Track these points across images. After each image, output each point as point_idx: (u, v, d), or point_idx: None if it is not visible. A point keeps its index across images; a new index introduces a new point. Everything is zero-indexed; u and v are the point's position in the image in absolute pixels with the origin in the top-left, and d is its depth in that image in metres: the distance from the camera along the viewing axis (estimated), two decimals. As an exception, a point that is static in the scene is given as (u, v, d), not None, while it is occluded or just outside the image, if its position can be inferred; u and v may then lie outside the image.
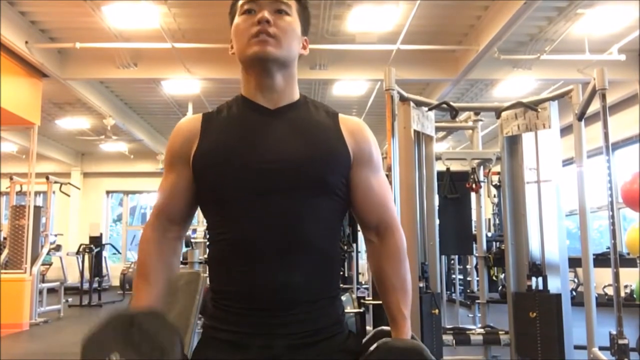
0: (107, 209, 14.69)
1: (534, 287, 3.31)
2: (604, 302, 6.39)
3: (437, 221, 3.49)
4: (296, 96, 1.17)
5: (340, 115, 1.18)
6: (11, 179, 8.43)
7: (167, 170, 1.18)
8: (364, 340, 1.17)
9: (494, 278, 7.07)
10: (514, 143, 3.59)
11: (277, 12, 1.11)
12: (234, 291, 1.07)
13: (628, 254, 5.62)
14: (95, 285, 9.71)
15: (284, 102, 1.14)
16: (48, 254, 8.36)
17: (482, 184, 4.41)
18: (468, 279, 8.17)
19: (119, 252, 13.57)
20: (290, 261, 1.05)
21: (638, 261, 4.67)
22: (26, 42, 6.37)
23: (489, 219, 9.11)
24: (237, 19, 1.14)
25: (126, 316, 0.97)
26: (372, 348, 1.04)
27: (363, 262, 7.43)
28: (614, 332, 2.78)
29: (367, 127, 1.20)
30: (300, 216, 1.06)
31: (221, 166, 1.08)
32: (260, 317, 1.05)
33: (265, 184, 1.06)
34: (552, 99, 3.39)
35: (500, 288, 7.54)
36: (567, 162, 4.16)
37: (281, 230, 1.05)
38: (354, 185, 1.14)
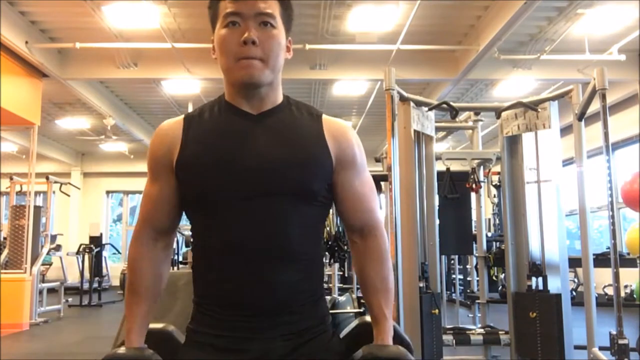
0: (107, 209, 14.69)
1: (534, 287, 3.31)
2: (604, 302, 6.39)
3: (437, 221, 3.49)
4: (279, 99, 1.16)
5: (324, 117, 1.17)
6: (11, 179, 8.43)
7: (150, 178, 1.17)
8: (345, 332, 1.18)
9: (494, 278, 7.06)
10: (514, 143, 3.59)
11: (262, 24, 1.09)
12: (216, 295, 1.09)
13: (628, 254, 5.62)
14: (95, 285, 9.72)
15: (267, 107, 1.13)
16: (48, 254, 8.36)
17: (482, 184, 4.41)
18: (468, 279, 8.16)
19: (119, 252, 13.56)
20: (272, 266, 1.05)
21: (638, 261, 4.67)
22: (26, 42, 6.37)
23: (489, 219, 9.11)
24: (221, 30, 1.11)
25: None
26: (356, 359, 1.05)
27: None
28: (614, 332, 2.78)
29: (351, 129, 1.20)
30: (282, 222, 1.06)
31: (203, 172, 1.08)
32: (242, 320, 1.06)
33: (246, 190, 1.06)
34: (552, 99, 3.39)
35: (500, 288, 7.53)
36: (567, 162, 4.16)
37: (262, 236, 1.05)
38: (337, 189, 1.14)
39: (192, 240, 1.15)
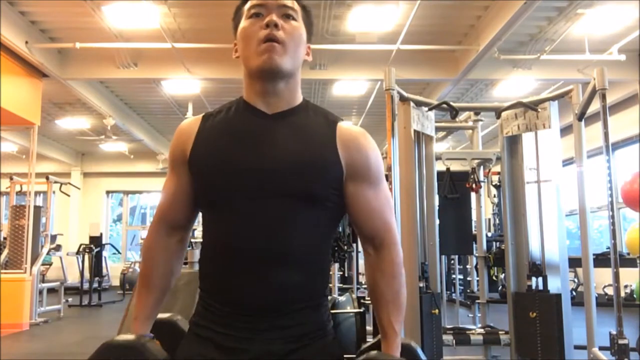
0: (107, 209, 14.69)
1: (534, 287, 3.31)
2: (604, 302, 6.39)
3: (437, 221, 3.49)
4: (297, 101, 1.16)
5: (340, 124, 1.14)
6: (11, 179, 8.43)
7: (169, 173, 1.20)
8: (363, 347, 1.17)
9: (494, 278, 7.07)
10: (514, 143, 3.59)
11: (285, 17, 1.11)
12: (218, 293, 1.09)
13: (628, 254, 5.62)
14: (95, 285, 9.71)
15: (283, 108, 1.13)
16: (48, 254, 8.36)
17: (482, 184, 4.41)
18: (468, 279, 8.17)
19: (119, 252, 13.57)
20: (272, 267, 1.05)
21: (638, 261, 4.67)
22: (26, 42, 6.37)
23: (489, 219, 9.11)
24: (244, 23, 1.12)
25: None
26: None
27: (363, 262, 7.43)
28: (614, 332, 2.78)
29: (367, 135, 1.16)
30: (283, 224, 1.06)
31: (209, 170, 1.09)
32: (242, 320, 1.06)
33: (250, 190, 1.06)
34: (552, 99, 3.39)
35: (500, 288, 7.54)
36: (567, 162, 4.17)
37: (263, 237, 1.05)
38: (349, 198, 1.12)
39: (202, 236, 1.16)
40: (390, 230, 1.15)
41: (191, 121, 1.18)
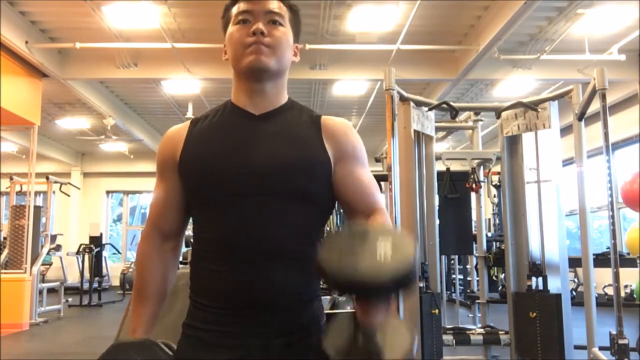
0: (107, 209, 14.69)
1: (534, 287, 3.31)
2: (604, 302, 6.39)
3: (437, 221, 3.49)
4: (283, 101, 1.18)
5: (324, 118, 1.18)
6: (11, 179, 8.43)
7: (158, 180, 1.20)
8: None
9: (494, 278, 7.06)
10: (514, 143, 3.59)
11: (271, 23, 1.13)
12: (208, 290, 1.09)
13: (628, 254, 5.62)
14: (95, 285, 9.72)
15: (270, 108, 1.15)
16: (48, 254, 8.37)
17: (482, 184, 4.41)
18: (468, 279, 8.16)
19: (119, 252, 13.58)
20: (261, 265, 1.06)
21: (638, 261, 4.67)
22: (26, 42, 6.37)
23: (489, 219, 9.11)
24: (232, 28, 1.15)
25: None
26: None
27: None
28: (614, 332, 2.78)
29: (351, 127, 1.20)
30: (272, 221, 1.07)
31: (202, 170, 1.10)
32: (232, 317, 1.06)
33: (239, 188, 1.07)
34: (552, 99, 3.39)
35: (500, 288, 7.53)
36: (567, 162, 4.16)
37: (252, 234, 1.06)
38: (339, 179, 1.13)
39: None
40: (381, 202, 1.17)
41: (179, 127, 1.19)
